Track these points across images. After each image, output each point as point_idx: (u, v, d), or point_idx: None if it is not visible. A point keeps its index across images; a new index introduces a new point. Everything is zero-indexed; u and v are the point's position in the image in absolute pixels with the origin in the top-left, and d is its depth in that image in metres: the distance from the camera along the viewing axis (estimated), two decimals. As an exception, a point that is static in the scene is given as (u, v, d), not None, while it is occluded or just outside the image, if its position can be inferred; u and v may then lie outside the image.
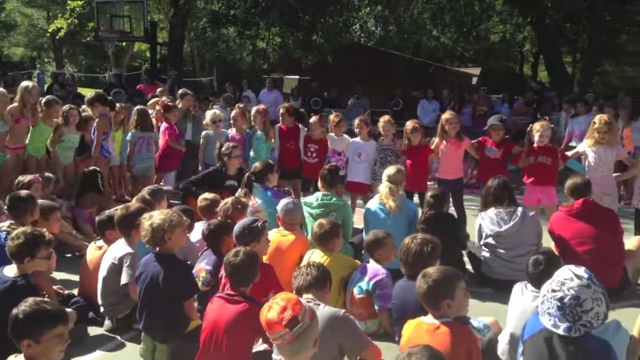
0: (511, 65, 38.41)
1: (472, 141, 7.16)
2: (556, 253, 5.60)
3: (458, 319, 3.21)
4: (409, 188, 7.09)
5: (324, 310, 3.27)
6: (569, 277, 2.70)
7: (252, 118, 7.94)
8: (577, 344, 2.65)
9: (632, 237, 5.81)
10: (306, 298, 3.31)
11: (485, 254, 5.62)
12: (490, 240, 5.56)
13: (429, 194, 5.78)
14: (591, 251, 5.20)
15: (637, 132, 9.19)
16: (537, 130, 6.64)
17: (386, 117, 7.65)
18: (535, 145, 6.66)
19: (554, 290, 2.69)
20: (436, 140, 7.10)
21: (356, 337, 3.38)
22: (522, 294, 3.88)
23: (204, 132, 8.35)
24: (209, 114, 8.49)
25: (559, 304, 2.65)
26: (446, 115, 7.11)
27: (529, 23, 18.10)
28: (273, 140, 7.90)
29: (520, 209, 5.53)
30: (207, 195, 5.64)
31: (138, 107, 8.61)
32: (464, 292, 3.22)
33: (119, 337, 4.46)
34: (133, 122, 8.27)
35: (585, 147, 6.71)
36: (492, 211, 5.59)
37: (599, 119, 6.70)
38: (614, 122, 6.97)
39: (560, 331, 2.62)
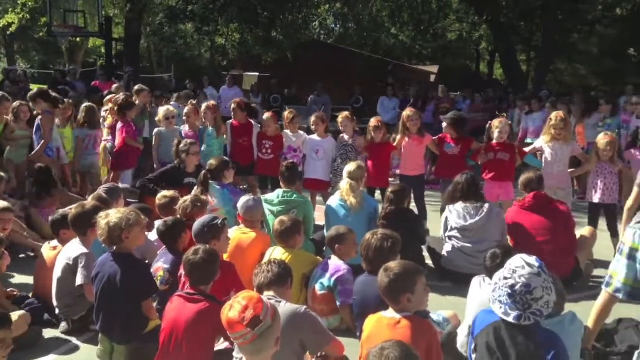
0: (468, 63, 39.00)
1: (433, 138, 7.26)
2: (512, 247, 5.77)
3: (418, 313, 3.24)
4: (370, 184, 7.14)
5: (285, 307, 3.25)
6: (520, 265, 2.74)
7: (202, 115, 7.85)
8: (526, 335, 2.69)
9: (583, 228, 5.99)
10: (267, 295, 3.28)
11: (448, 246, 5.71)
12: (455, 233, 5.65)
13: (389, 190, 5.84)
14: (544, 243, 5.36)
15: (590, 128, 9.44)
16: (497, 127, 6.78)
17: (345, 113, 7.68)
18: (494, 141, 6.79)
19: (505, 278, 2.73)
20: (398, 136, 7.16)
21: (318, 333, 3.38)
22: (480, 287, 3.96)
23: (156, 130, 8.15)
24: (161, 111, 8.28)
25: (509, 291, 2.69)
26: (407, 112, 7.19)
27: (485, 22, 18.42)
28: (225, 136, 7.83)
29: (487, 205, 5.64)
30: (166, 193, 5.54)
31: (86, 104, 8.43)
32: (424, 287, 3.25)
33: (75, 339, 4.35)
34: (81, 119, 8.13)
35: (542, 143, 6.89)
36: (459, 205, 5.69)
37: (555, 115, 6.88)
38: (569, 119, 7.17)
39: (511, 319, 2.66)
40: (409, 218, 5.75)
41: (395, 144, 7.18)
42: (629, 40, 24.83)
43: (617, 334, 4.26)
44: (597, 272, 5.69)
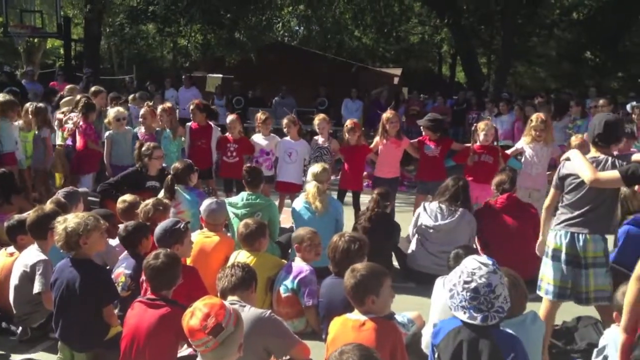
0: (430, 66, 39.51)
1: (412, 140, 7.29)
2: (475, 247, 5.85)
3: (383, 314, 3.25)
4: (344, 186, 7.17)
5: (249, 312, 3.22)
6: (477, 266, 2.73)
7: (158, 117, 7.72)
8: (485, 338, 2.69)
9: None
10: (231, 300, 3.25)
11: (414, 244, 5.74)
12: (423, 230, 5.69)
13: (376, 191, 5.84)
14: (511, 243, 5.45)
15: (559, 131, 9.59)
16: (482, 129, 6.85)
17: (321, 115, 7.69)
18: (479, 144, 6.86)
19: (466, 282, 2.71)
20: (376, 138, 7.18)
21: (283, 337, 3.36)
22: (443, 287, 3.98)
23: (107, 133, 7.90)
24: (111, 112, 8.04)
25: (473, 294, 2.68)
26: (387, 114, 7.21)
27: (446, 25, 18.69)
28: (183, 138, 7.73)
29: (461, 210, 5.67)
30: (126, 197, 5.42)
31: (38, 105, 8.17)
32: (389, 290, 3.26)
33: (33, 348, 4.24)
34: (35, 121, 7.85)
35: (523, 144, 6.99)
36: (434, 204, 5.74)
37: (536, 117, 6.97)
38: (550, 121, 7.27)
39: (478, 322, 2.67)
40: (389, 223, 5.78)
41: (372, 146, 7.20)
42: (586, 43, 25.51)
43: (577, 331, 4.37)
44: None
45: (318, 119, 7.53)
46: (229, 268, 3.47)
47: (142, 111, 8.04)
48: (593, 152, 3.91)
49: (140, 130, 7.83)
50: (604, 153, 3.85)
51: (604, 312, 3.88)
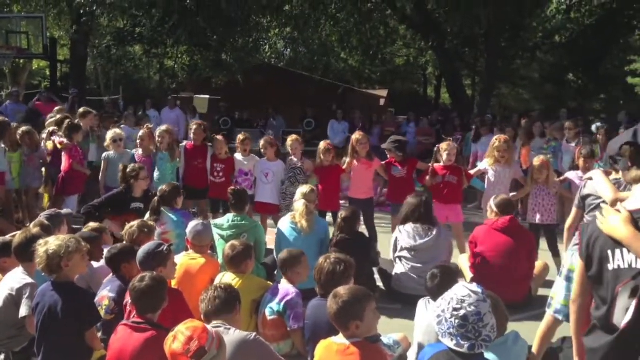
0: (416, 88, 39.88)
1: (382, 162, 7.34)
2: (463, 264, 5.87)
3: (368, 337, 3.23)
4: (321, 207, 7.16)
5: (234, 335, 3.20)
6: (466, 294, 2.72)
7: (158, 138, 7.71)
8: None
9: (537, 262, 6.10)
10: (215, 324, 3.22)
11: (397, 268, 5.75)
12: (404, 253, 5.71)
13: (339, 216, 5.84)
14: (504, 265, 5.48)
15: (535, 151, 9.73)
16: (444, 149, 6.92)
17: (294, 137, 7.72)
18: (442, 164, 6.92)
19: (455, 310, 2.69)
20: (347, 159, 7.22)
21: (268, 359, 3.33)
22: (426, 309, 4.00)
23: (104, 154, 7.95)
24: (109, 134, 8.09)
25: (461, 322, 2.66)
26: (356, 135, 7.27)
27: (431, 47, 18.91)
28: (178, 159, 7.73)
29: (437, 227, 5.73)
30: (92, 224, 5.41)
31: (25, 127, 8.18)
32: (373, 313, 3.25)
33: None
34: (26, 142, 7.89)
35: (486, 165, 7.07)
36: (409, 226, 5.77)
37: (497, 138, 7.11)
38: (511, 142, 7.39)
39: (465, 350, 2.66)
40: (361, 242, 5.77)
41: (344, 167, 7.23)
42: (568, 66, 25.91)
43: (562, 352, 4.36)
44: (540, 291, 5.83)
45: (290, 139, 7.58)
46: (211, 290, 3.45)
47: (140, 133, 8.02)
48: (615, 174, 3.89)
49: (138, 152, 7.81)
50: None
51: None
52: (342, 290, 3.28)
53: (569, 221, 4.28)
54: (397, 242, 5.82)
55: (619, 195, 3.70)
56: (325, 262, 4.07)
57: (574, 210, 4.19)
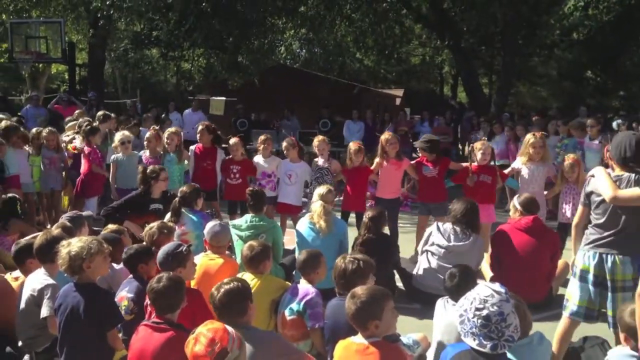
0: (432, 87, 39.73)
1: (411, 162, 7.30)
2: (484, 264, 5.81)
3: (388, 337, 3.23)
4: (347, 208, 7.16)
5: (254, 334, 3.21)
6: (489, 293, 2.71)
7: (167, 140, 7.72)
8: None
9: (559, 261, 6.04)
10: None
11: (422, 262, 5.70)
12: (434, 249, 5.65)
13: (366, 215, 5.82)
14: (526, 265, 5.41)
15: (550, 150, 9.63)
16: (479, 149, 6.85)
17: (321, 137, 7.72)
18: (476, 164, 6.86)
19: (477, 309, 2.68)
20: (377, 160, 7.19)
21: (287, 354, 3.35)
22: (444, 309, 3.98)
23: (113, 156, 7.98)
24: (117, 136, 8.13)
25: (484, 322, 2.65)
26: (385, 135, 7.24)
27: (447, 46, 18.83)
28: (187, 162, 7.76)
29: (474, 235, 5.64)
30: (111, 226, 5.47)
31: (48, 129, 8.28)
32: (391, 312, 3.24)
33: (37, 373, 4.21)
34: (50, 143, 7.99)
35: (519, 163, 6.97)
36: (448, 225, 5.70)
37: (533, 134, 6.98)
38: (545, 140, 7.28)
39: (487, 349, 2.64)
40: (385, 243, 5.75)
41: (373, 167, 7.21)
42: (586, 63, 25.64)
43: (584, 352, 4.32)
44: (561, 290, 5.77)
45: (317, 140, 7.56)
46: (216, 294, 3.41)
47: (147, 134, 8.08)
48: (618, 171, 3.86)
49: (145, 153, 7.87)
50: (630, 172, 3.79)
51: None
52: (359, 290, 3.28)
53: (576, 219, 4.22)
54: (430, 237, 5.75)
55: (618, 193, 3.65)
56: (344, 262, 4.08)
57: (580, 208, 4.14)
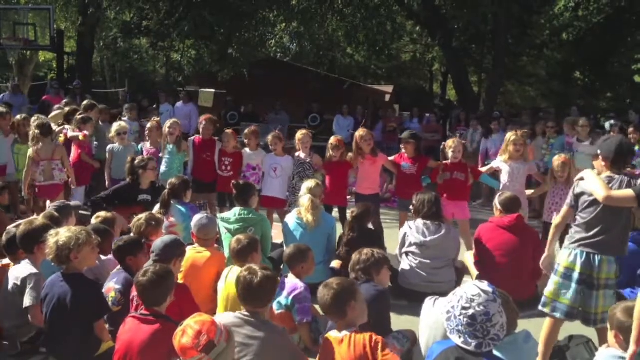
0: (421, 84, 39.80)
1: (389, 158, 7.32)
2: (469, 261, 5.85)
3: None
4: (328, 202, 7.15)
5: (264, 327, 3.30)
6: (476, 293, 2.72)
7: (170, 130, 7.66)
8: None
9: None
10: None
11: (404, 264, 5.74)
12: (413, 248, 5.68)
13: (349, 214, 5.83)
14: (511, 263, 5.43)
15: (537, 149, 9.70)
16: (450, 147, 6.89)
17: (303, 131, 7.70)
18: (449, 161, 6.90)
19: (464, 308, 2.70)
20: (350, 155, 7.20)
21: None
22: (433, 306, 3.99)
23: (109, 146, 7.93)
24: (114, 126, 8.09)
25: (469, 320, 2.67)
26: (359, 132, 7.24)
27: (438, 44, 18.86)
28: (185, 152, 7.73)
29: (446, 225, 5.71)
30: (102, 213, 5.44)
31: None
32: (363, 297, 3.42)
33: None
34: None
35: (500, 162, 7.00)
36: (420, 221, 5.73)
37: (514, 132, 7.03)
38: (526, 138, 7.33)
39: (472, 348, 2.66)
40: (370, 240, 5.72)
41: (352, 162, 7.22)
42: (575, 64, 25.80)
43: (569, 350, 4.36)
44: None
45: (301, 133, 7.56)
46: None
47: (148, 125, 8.04)
48: (608, 172, 3.92)
49: (146, 145, 7.82)
50: (619, 174, 3.88)
51: (604, 333, 3.88)
52: (330, 280, 3.43)
53: (558, 219, 4.25)
54: (405, 238, 5.79)
55: (611, 193, 3.70)
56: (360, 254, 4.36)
57: (565, 208, 4.17)
